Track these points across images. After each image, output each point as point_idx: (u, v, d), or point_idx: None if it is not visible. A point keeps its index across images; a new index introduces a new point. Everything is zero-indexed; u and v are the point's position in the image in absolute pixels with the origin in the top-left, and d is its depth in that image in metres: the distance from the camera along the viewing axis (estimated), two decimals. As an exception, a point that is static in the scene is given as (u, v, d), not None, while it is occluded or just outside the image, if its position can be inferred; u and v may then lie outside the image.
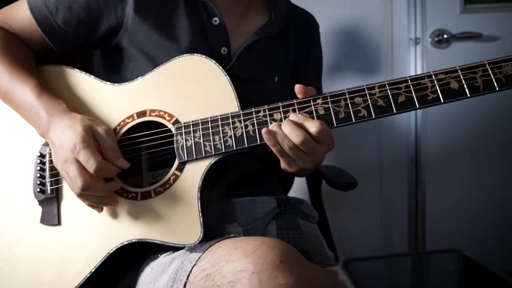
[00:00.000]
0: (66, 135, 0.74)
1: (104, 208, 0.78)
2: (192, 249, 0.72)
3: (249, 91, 0.80)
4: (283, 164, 0.77)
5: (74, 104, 0.83)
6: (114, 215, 0.78)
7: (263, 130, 0.72)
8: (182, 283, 0.67)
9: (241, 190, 0.90)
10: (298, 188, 1.26)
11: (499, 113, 1.56)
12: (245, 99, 0.78)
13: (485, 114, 1.56)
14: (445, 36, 1.53)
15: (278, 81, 0.94)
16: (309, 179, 1.26)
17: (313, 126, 0.71)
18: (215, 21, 0.88)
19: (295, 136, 0.70)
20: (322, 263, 0.81)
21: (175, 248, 0.76)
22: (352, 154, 1.61)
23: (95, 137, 0.76)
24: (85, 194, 0.73)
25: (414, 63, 1.55)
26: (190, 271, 0.67)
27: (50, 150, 0.82)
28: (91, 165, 0.72)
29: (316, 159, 0.74)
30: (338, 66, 1.56)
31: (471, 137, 1.58)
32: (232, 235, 0.74)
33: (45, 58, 0.90)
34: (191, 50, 0.84)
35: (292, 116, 0.73)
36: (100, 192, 0.74)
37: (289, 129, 0.71)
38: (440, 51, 1.54)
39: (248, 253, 0.63)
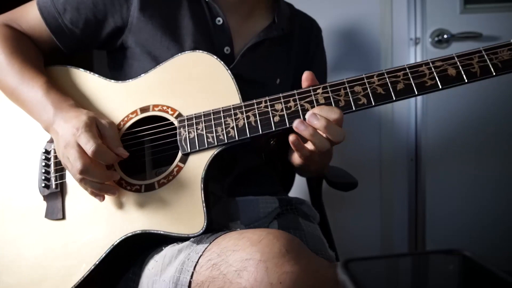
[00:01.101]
0: (70, 123, 0.75)
1: (108, 201, 0.78)
2: (199, 241, 0.73)
3: (251, 92, 0.80)
4: (298, 159, 0.78)
5: (79, 101, 0.84)
6: (118, 207, 0.79)
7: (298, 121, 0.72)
8: (189, 274, 0.67)
9: (243, 189, 0.90)
10: (299, 188, 1.26)
11: (499, 113, 1.57)
12: (246, 100, 0.79)
13: (485, 114, 1.57)
14: (445, 36, 1.53)
15: (280, 84, 0.95)
16: (309, 179, 1.26)
17: (334, 114, 0.72)
18: (219, 21, 0.89)
19: (333, 132, 0.71)
20: (323, 263, 0.82)
21: (179, 239, 0.76)
22: (352, 154, 1.61)
23: (98, 127, 0.76)
24: (84, 178, 0.74)
25: (414, 63, 1.55)
26: (197, 262, 0.67)
27: (54, 146, 0.83)
28: (89, 147, 0.72)
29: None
30: (338, 66, 1.56)
31: (471, 137, 1.59)
32: (238, 229, 0.75)
33: (46, 58, 0.92)
34: (194, 49, 0.85)
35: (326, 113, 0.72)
36: (98, 177, 0.74)
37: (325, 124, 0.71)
38: (440, 51, 1.54)
39: (254, 242, 0.64)
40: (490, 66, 0.71)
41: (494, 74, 0.71)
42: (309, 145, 0.74)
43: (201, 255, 0.68)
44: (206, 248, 0.68)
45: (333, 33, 1.55)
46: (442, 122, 1.58)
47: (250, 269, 0.61)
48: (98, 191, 0.76)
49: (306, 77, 0.76)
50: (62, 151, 0.75)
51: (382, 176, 1.62)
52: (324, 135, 0.72)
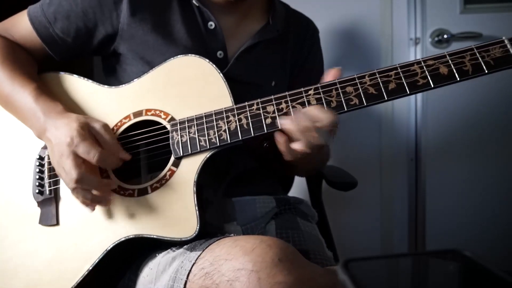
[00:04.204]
0: (62, 132, 0.75)
1: (102, 207, 0.78)
2: (192, 248, 0.72)
3: (246, 95, 0.80)
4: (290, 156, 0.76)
5: (72, 107, 0.84)
6: (112, 213, 0.79)
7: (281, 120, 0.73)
8: (182, 282, 0.67)
9: (240, 190, 0.90)
10: (298, 188, 1.26)
11: (500, 113, 1.56)
12: (241, 103, 0.79)
13: (486, 113, 1.56)
14: (445, 36, 1.52)
15: (275, 86, 0.94)
16: (309, 179, 1.26)
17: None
18: (211, 25, 0.88)
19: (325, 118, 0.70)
20: (321, 263, 0.82)
21: (172, 244, 0.77)
22: (352, 154, 1.61)
23: (92, 133, 0.76)
24: (79, 187, 0.73)
25: (414, 63, 1.55)
26: (190, 270, 0.67)
27: (49, 153, 0.83)
28: (93, 155, 0.72)
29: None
30: (338, 66, 1.55)
31: (471, 136, 1.58)
32: (231, 234, 0.74)
33: (45, 64, 0.92)
34: (187, 54, 0.84)
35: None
36: (94, 186, 0.75)
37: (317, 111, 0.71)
38: (440, 51, 1.54)
39: (247, 251, 0.63)
40: (482, 64, 0.71)
41: (486, 71, 0.71)
42: (297, 145, 0.73)
43: (194, 263, 0.68)
44: (199, 256, 0.68)
45: (333, 33, 1.54)
46: (442, 122, 1.58)
47: (242, 280, 0.61)
48: (90, 201, 0.76)
49: (331, 73, 0.75)
50: (57, 160, 0.75)
51: (382, 176, 1.62)
52: (312, 132, 0.71)
